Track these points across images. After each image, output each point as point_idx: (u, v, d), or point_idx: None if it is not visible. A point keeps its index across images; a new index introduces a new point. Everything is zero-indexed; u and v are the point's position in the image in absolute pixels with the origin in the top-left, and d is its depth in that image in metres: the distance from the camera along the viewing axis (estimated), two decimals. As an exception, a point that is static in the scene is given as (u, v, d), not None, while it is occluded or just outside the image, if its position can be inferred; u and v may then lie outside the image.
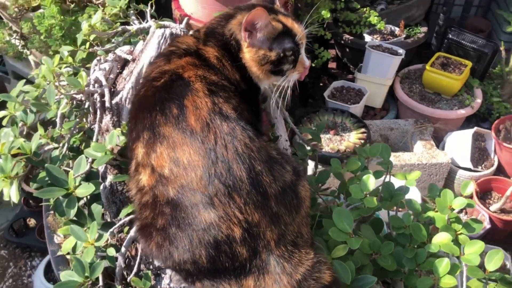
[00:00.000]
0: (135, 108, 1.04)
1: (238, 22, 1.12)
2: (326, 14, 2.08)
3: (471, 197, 2.41)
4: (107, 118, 1.22)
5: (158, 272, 1.24)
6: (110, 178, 1.24)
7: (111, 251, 1.17)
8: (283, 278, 0.92)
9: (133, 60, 1.30)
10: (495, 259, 1.20)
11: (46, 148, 1.29)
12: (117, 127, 1.22)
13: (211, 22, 1.18)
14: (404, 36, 3.02)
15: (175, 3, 2.31)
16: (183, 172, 0.91)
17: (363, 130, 2.53)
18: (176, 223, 0.92)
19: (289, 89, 1.17)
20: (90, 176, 1.27)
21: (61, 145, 1.29)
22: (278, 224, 0.93)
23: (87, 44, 1.37)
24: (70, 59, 1.46)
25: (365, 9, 2.32)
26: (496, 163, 2.61)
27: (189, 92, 0.97)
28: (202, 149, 0.91)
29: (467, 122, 2.89)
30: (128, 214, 1.20)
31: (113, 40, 1.48)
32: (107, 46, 1.42)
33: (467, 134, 2.58)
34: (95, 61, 1.32)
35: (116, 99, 1.24)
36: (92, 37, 1.39)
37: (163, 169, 0.93)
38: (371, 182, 1.25)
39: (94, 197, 1.28)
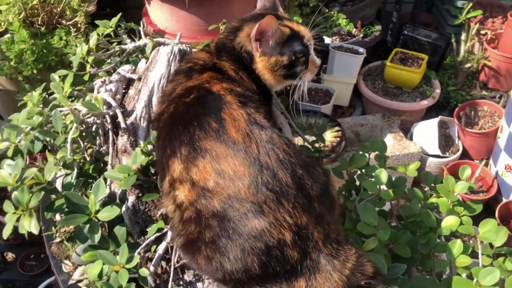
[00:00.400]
0: (167, 125, 1.05)
1: (246, 34, 1.15)
2: (298, 19, 2.15)
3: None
4: (124, 139, 1.22)
5: (188, 287, 1.25)
6: (131, 198, 1.23)
7: (144, 272, 1.16)
8: (334, 275, 0.95)
9: (139, 79, 1.30)
10: (501, 235, 1.29)
11: (58, 175, 1.26)
12: (135, 147, 1.22)
13: (219, 37, 1.20)
14: (361, 35, 3.15)
15: (147, 19, 2.30)
16: (229, 183, 0.93)
17: (337, 128, 2.62)
18: (226, 234, 0.94)
19: (305, 89, 1.22)
20: (107, 200, 1.26)
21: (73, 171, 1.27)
22: (322, 224, 0.97)
23: (87, 66, 1.35)
24: (61, 84, 1.43)
25: (333, 12, 2.41)
26: (461, 148, 2.79)
27: (223, 105, 0.99)
28: (246, 159, 0.93)
29: (428, 112, 3.05)
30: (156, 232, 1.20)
31: (108, 61, 1.46)
32: (104, 67, 1.40)
33: (433, 123, 2.73)
34: (98, 83, 1.31)
35: (130, 119, 1.23)
36: (90, 59, 1.37)
37: (206, 183, 0.95)
38: (384, 175, 1.32)
39: (113, 221, 1.27)
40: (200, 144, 0.96)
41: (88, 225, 1.19)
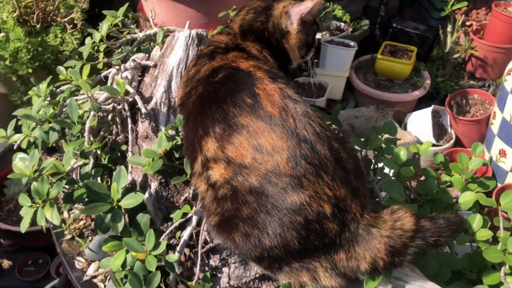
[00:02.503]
0: (196, 106, 1.04)
1: (281, 11, 1.17)
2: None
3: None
4: (145, 125, 1.20)
5: (214, 272, 1.23)
6: (154, 185, 1.21)
7: (172, 257, 1.14)
8: (374, 242, 0.95)
9: (155, 65, 1.28)
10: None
11: (75, 165, 1.23)
12: (156, 132, 1.20)
13: (244, 18, 1.20)
14: (351, 30, 3.18)
15: (142, 15, 2.28)
16: (267, 158, 0.93)
17: (334, 120, 2.63)
18: (265, 210, 0.93)
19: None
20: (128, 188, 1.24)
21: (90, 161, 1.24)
22: (358, 196, 0.98)
23: (100, 55, 1.33)
24: (69, 76, 1.40)
25: (328, 4, 2.43)
26: (454, 136, 2.84)
27: (255, 81, 0.99)
28: (284, 133, 0.93)
29: (419, 103, 3.09)
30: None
31: (117, 51, 1.44)
32: (116, 56, 1.38)
33: (426, 113, 2.78)
34: (113, 71, 1.29)
35: (150, 105, 1.22)
36: (102, 47, 1.35)
37: (243, 159, 0.94)
38: (403, 153, 1.33)
39: (134, 209, 1.24)
40: (236, 120, 0.96)
41: (109, 214, 1.17)
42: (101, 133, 1.28)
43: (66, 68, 1.40)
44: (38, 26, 2.07)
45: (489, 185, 1.43)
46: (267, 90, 0.98)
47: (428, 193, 1.38)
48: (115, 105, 1.20)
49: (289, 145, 0.92)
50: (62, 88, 1.43)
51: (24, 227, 1.19)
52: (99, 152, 1.30)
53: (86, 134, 1.22)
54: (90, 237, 1.52)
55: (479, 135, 2.84)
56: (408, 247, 0.97)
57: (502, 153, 2.59)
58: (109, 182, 1.38)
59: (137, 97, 1.21)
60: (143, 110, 1.18)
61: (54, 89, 1.44)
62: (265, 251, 0.96)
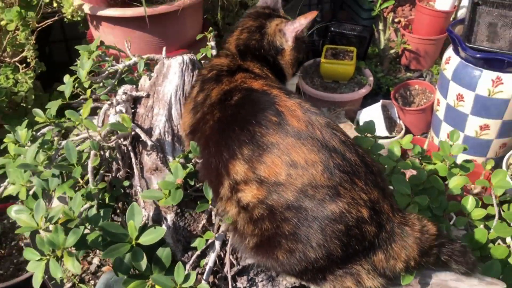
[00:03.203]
0: (215, 131, 1.03)
1: (275, 29, 1.19)
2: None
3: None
4: (152, 157, 1.17)
5: (241, 294, 1.23)
6: (171, 216, 1.18)
7: (204, 286, 1.12)
8: (408, 240, 1.00)
9: (147, 95, 1.26)
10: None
11: (82, 209, 1.18)
12: (165, 163, 1.18)
13: (239, 37, 1.21)
14: (291, 37, 3.27)
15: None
16: (302, 172, 0.94)
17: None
18: (306, 223, 0.95)
19: None
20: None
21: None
22: (386, 196, 1.02)
23: (88, 92, 1.28)
24: (72, 118, 1.31)
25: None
26: (404, 127, 3.00)
27: (275, 99, 1.01)
28: (315, 146, 0.95)
29: (364, 100, 3.25)
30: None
31: (97, 86, 1.40)
32: (99, 91, 1.34)
33: (377, 108, 2.92)
34: (105, 106, 1.25)
35: (155, 136, 1.19)
36: (87, 84, 1.30)
37: (278, 177, 0.95)
38: (396, 150, 1.40)
39: (150, 245, 1.21)
40: (264, 140, 0.97)
41: (128, 254, 1.13)
42: (101, 172, 1.23)
43: (45, 110, 1.33)
44: (-15, 68, 1.94)
45: (469, 167, 1.54)
46: (288, 106, 1.00)
47: (419, 183, 1.46)
48: (120, 140, 1.16)
49: (321, 157, 0.95)
50: (43, 130, 1.36)
51: (37, 282, 1.12)
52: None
53: (89, 175, 1.17)
54: (92, 281, 1.45)
55: (425, 123, 3.03)
56: (433, 248, 1.02)
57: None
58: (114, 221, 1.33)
59: (138, 130, 1.18)
60: (149, 143, 1.15)
61: (34, 133, 1.36)
62: (310, 264, 0.98)
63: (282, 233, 0.97)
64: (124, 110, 1.24)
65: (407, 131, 3.04)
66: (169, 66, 1.24)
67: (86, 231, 1.18)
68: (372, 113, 2.93)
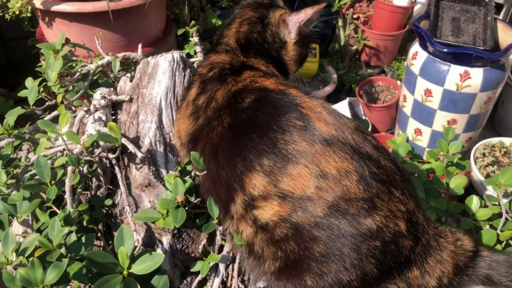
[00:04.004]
0: (226, 138, 0.88)
1: (278, 20, 1.06)
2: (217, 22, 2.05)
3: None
4: (144, 171, 1.00)
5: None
6: (167, 239, 1.02)
7: (210, 318, 0.98)
8: (443, 254, 0.91)
9: (130, 100, 1.09)
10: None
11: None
12: (158, 178, 1.01)
13: (239, 30, 1.07)
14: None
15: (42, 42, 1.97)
16: (334, 184, 0.82)
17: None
18: (339, 242, 0.83)
19: None
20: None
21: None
22: (420, 206, 0.92)
23: (59, 97, 1.09)
24: (47, 129, 1.11)
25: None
26: (370, 124, 2.96)
27: (296, 100, 0.88)
28: (347, 152, 0.83)
29: (328, 97, 3.18)
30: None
31: (64, 90, 1.21)
32: (70, 96, 1.15)
33: (344, 105, 2.86)
34: (80, 113, 1.06)
35: (145, 147, 1.02)
36: (55, 88, 1.10)
37: (305, 190, 0.82)
38: (402, 150, 1.31)
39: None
40: (289, 148, 0.83)
41: (119, 285, 0.96)
42: (79, 190, 1.05)
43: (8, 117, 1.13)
44: None
45: (465, 165, 1.48)
46: (313, 108, 0.87)
47: (420, 184, 1.38)
48: (105, 154, 0.98)
49: (355, 165, 0.83)
50: (1, 143, 1.16)
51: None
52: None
53: (67, 196, 0.98)
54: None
55: (390, 119, 3.00)
56: (469, 267, 0.93)
57: (418, 132, 2.76)
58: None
59: (124, 140, 1.01)
60: (139, 155, 0.98)
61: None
62: (342, 287, 0.86)
63: (311, 254, 0.84)
64: (104, 118, 1.06)
65: (373, 128, 3.01)
66: (156, 65, 1.08)
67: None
68: (340, 111, 2.86)
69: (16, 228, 1.19)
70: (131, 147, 1.00)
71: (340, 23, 3.31)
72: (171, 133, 1.06)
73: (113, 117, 1.10)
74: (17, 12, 1.75)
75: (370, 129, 2.91)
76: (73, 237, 1.02)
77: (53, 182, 1.00)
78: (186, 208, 1.04)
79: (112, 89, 1.14)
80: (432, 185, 1.38)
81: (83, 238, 1.02)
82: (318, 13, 1.08)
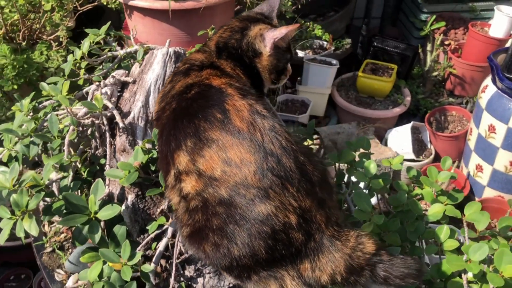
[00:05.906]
0: (170, 120, 1.08)
1: (256, 33, 1.21)
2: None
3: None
4: (122, 138, 1.24)
5: (189, 283, 1.27)
6: (131, 197, 1.25)
7: (147, 267, 1.18)
8: (336, 255, 1.00)
9: (134, 82, 1.33)
10: (483, 218, 1.36)
11: (55, 178, 1.27)
12: (134, 146, 1.24)
13: (221, 36, 1.25)
14: (333, 48, 3.27)
15: (126, 32, 2.33)
16: (236, 170, 0.97)
17: (316, 136, 2.69)
18: (233, 220, 0.97)
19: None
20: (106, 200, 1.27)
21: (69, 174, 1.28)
22: (324, 207, 1.02)
23: (81, 72, 1.37)
24: (52, 92, 1.43)
25: (309, 23, 2.50)
26: (433, 152, 2.90)
27: (226, 97, 1.04)
28: (252, 147, 0.98)
29: (400, 119, 3.17)
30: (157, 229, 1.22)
31: (99, 67, 1.49)
32: (97, 72, 1.43)
33: (406, 129, 2.85)
34: (93, 87, 1.33)
35: (128, 119, 1.26)
36: (83, 64, 1.39)
37: (214, 172, 0.98)
38: (372, 167, 1.38)
39: (111, 221, 1.28)
40: (206, 135, 1.00)
41: (87, 226, 1.20)
42: (81, 147, 1.32)
43: (49, 84, 1.44)
44: (24, 43, 2.11)
45: (457, 197, 1.48)
46: (237, 106, 1.03)
47: (399, 205, 1.43)
48: (94, 119, 1.24)
49: (256, 158, 0.97)
50: (45, 103, 1.47)
51: (2, 239, 1.22)
52: (79, 165, 1.34)
53: (65, 147, 1.26)
54: (70, 250, 1.55)
55: (457, 151, 2.91)
56: (364, 269, 1.00)
57: (479, 168, 2.65)
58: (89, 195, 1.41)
59: (115, 112, 1.25)
60: (121, 124, 1.22)
61: (37, 104, 1.48)
62: (234, 261, 1.00)
63: (210, 226, 1.00)
64: (109, 92, 1.32)
65: (437, 158, 2.94)
66: (155, 56, 1.31)
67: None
68: (401, 134, 2.86)
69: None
70: (117, 118, 1.24)
71: (428, 47, 3.26)
72: (153, 112, 1.28)
73: (119, 94, 1.35)
74: (104, 3, 2.12)
75: (432, 157, 2.86)
76: (65, 182, 1.30)
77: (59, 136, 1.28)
78: (153, 175, 1.25)
79: (126, 71, 1.39)
80: (409, 207, 1.41)
81: (72, 184, 1.29)
82: (293, 31, 1.20)
